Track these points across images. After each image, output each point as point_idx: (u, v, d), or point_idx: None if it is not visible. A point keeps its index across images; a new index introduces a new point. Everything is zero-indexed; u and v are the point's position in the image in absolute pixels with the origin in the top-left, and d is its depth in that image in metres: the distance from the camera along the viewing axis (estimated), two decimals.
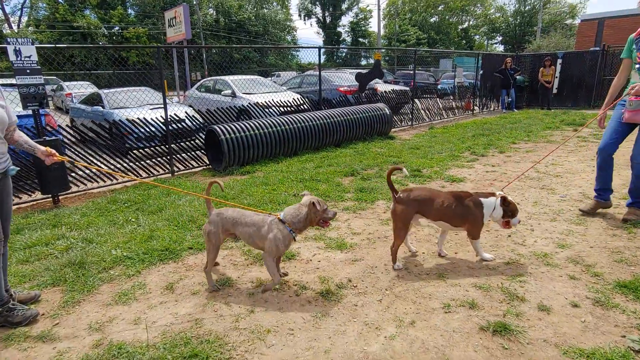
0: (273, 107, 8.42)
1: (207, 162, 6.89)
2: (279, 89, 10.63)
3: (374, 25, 54.45)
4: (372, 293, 2.85)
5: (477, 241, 3.19)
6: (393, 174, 3.32)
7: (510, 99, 13.93)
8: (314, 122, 7.40)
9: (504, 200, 3.08)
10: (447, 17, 56.19)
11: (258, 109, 8.29)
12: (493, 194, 3.13)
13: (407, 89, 12.72)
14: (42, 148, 2.72)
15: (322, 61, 8.97)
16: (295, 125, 7.11)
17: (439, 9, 55.71)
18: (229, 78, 10.33)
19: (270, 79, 15.48)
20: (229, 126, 6.46)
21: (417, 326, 2.46)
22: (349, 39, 53.89)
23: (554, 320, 2.47)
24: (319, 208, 2.69)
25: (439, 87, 17.06)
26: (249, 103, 8.45)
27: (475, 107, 14.00)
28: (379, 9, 38.79)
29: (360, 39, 53.56)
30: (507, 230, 3.56)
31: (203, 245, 3.64)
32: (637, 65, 3.72)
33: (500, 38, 52.89)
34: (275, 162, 6.69)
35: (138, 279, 3.14)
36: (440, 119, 12.18)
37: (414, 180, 5.45)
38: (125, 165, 6.25)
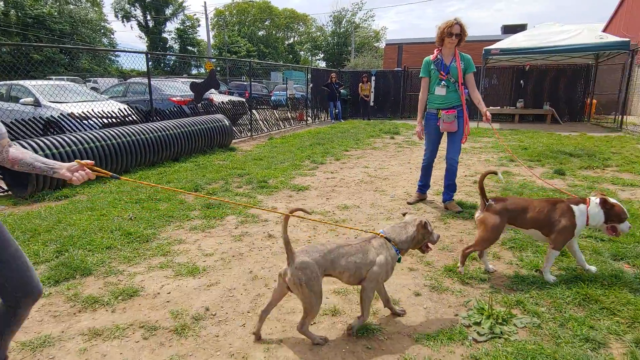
0: (93, 119, 7.27)
1: (5, 188, 5.48)
2: (99, 98, 9.26)
3: (202, 34, 53.12)
4: (233, 319, 2.64)
5: (556, 253, 2.92)
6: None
7: (337, 110, 15.36)
8: (147, 135, 6.66)
9: (604, 203, 2.77)
10: (274, 32, 59.08)
11: (73, 121, 7.02)
12: (584, 200, 2.87)
13: (244, 99, 12.75)
14: (67, 164, 1.88)
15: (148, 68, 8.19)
16: (124, 139, 6.27)
17: (266, 23, 58.14)
18: (29, 83, 8.51)
19: (85, 85, 13.43)
20: (35, 142, 5.27)
21: (285, 345, 2.38)
22: (176, 46, 51.27)
23: None
24: (430, 229, 2.42)
25: (272, 98, 17.67)
26: (61, 114, 7.09)
27: (308, 118, 14.96)
28: (206, 18, 38.08)
29: (189, 47, 51.59)
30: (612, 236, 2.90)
31: None
32: (442, 82, 4.46)
33: (322, 55, 58.37)
34: (102, 182, 5.76)
35: None
36: (278, 130, 12.57)
37: (261, 192, 5.41)
38: None
